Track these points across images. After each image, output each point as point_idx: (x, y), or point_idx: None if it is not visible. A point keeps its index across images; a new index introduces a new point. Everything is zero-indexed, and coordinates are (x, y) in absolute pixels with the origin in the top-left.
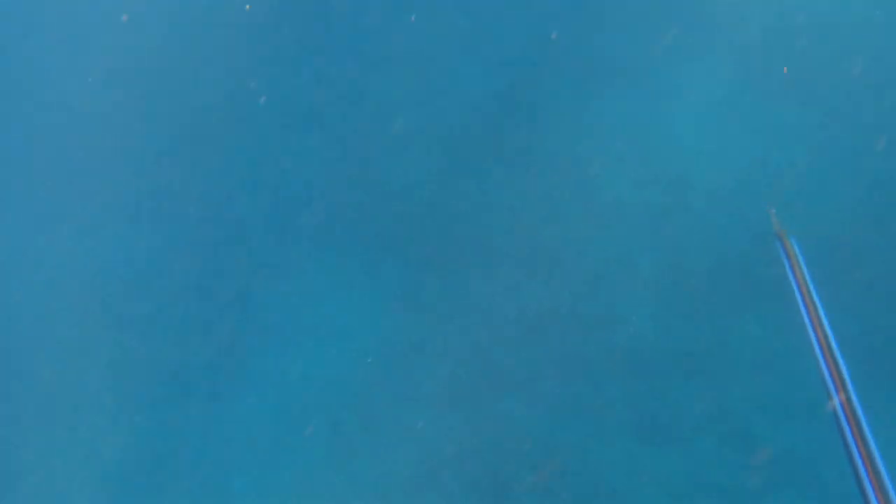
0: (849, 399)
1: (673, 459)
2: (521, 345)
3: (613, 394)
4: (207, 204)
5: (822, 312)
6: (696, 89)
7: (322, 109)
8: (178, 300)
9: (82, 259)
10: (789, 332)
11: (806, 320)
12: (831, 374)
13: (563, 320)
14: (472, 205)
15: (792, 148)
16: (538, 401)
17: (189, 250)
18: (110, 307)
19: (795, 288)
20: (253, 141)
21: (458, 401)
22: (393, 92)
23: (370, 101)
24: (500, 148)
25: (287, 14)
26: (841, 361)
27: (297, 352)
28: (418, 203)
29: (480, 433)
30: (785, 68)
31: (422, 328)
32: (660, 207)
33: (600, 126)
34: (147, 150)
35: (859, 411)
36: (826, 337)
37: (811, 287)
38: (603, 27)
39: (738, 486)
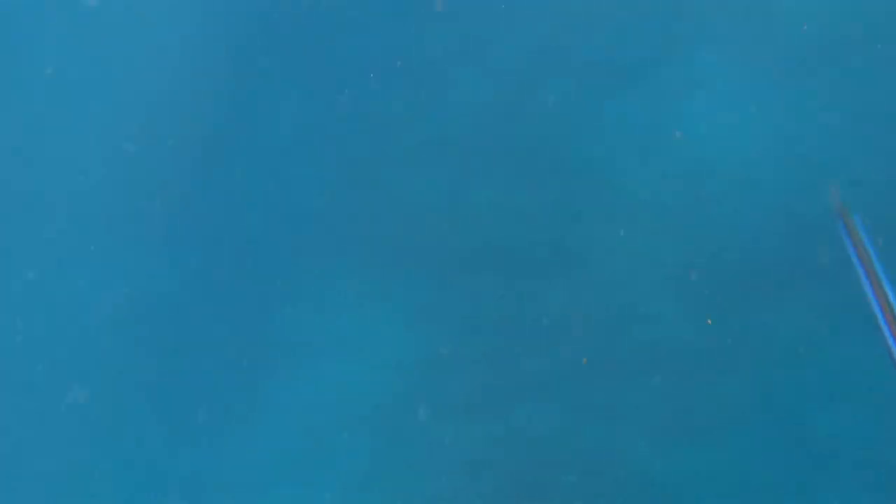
0: None
1: (717, 456)
2: (547, 348)
3: (647, 394)
4: (219, 217)
5: (889, 291)
6: (721, 76)
7: (334, 119)
8: (195, 315)
9: (98, 282)
10: (832, 317)
11: (873, 301)
12: None
13: (589, 322)
14: (488, 209)
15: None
16: (568, 405)
17: (202, 264)
18: (126, 328)
19: (860, 268)
20: (264, 152)
21: (487, 409)
22: (403, 98)
23: (382, 107)
24: (513, 149)
25: (300, 28)
26: None
27: (319, 367)
28: (432, 211)
29: (513, 441)
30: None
31: (443, 338)
32: (682, 199)
33: (618, 120)
34: (155, 165)
35: None
36: (894, 316)
37: (877, 266)
38: (614, 20)
39: (789, 480)
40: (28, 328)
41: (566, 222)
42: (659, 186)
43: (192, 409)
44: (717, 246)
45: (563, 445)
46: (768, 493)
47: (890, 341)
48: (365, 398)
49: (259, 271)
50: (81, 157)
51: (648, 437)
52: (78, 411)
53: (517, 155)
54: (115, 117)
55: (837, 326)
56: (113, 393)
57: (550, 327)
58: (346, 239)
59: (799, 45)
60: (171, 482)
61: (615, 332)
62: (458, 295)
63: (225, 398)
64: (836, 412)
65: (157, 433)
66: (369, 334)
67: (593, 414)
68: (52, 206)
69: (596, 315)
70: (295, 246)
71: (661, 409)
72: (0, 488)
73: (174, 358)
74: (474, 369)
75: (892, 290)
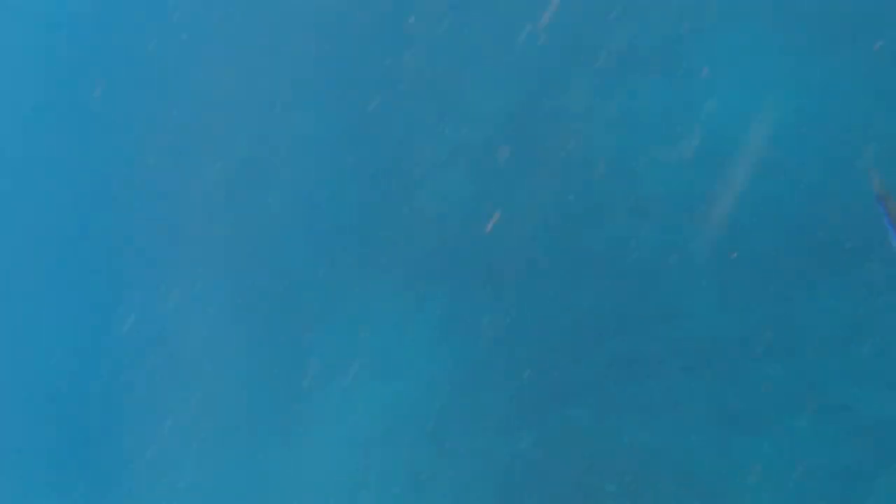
0: None
1: (767, 444)
2: (584, 351)
3: (689, 387)
4: (248, 239)
5: None
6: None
7: (360, 139)
8: (231, 337)
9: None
10: (870, 301)
11: None
12: None
13: (623, 321)
14: (511, 217)
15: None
16: (609, 405)
17: (237, 287)
18: (159, 347)
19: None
20: (294, 174)
21: (529, 416)
22: (424, 116)
23: (402, 118)
24: (529, 155)
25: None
26: None
27: (362, 383)
28: (458, 224)
29: (559, 445)
30: None
31: (480, 349)
32: (704, 192)
33: (638, 112)
34: (189, 187)
35: None
36: None
37: None
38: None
39: (841, 463)
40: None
41: (590, 222)
42: (682, 178)
43: (233, 427)
44: (746, 232)
45: (602, 450)
46: (817, 480)
47: None
48: (404, 413)
49: (293, 293)
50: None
51: (687, 433)
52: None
53: (538, 156)
54: (144, 137)
55: (878, 308)
56: (142, 413)
57: (579, 330)
58: (376, 257)
59: (823, 24)
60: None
61: (645, 329)
62: (491, 306)
63: (266, 415)
64: (881, 395)
65: (200, 450)
66: (403, 351)
67: (629, 415)
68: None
69: (626, 313)
70: (328, 266)
71: (697, 405)
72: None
73: (212, 380)
74: (508, 380)
75: None
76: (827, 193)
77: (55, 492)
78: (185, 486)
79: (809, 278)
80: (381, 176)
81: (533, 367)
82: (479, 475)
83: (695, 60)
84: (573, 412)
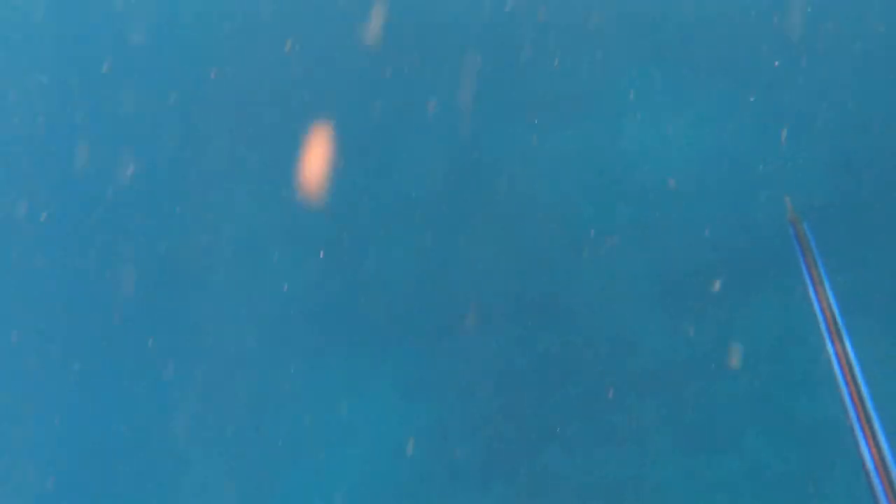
0: (855, 381)
1: (733, 460)
2: (546, 394)
3: (649, 416)
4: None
5: (831, 296)
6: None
7: (300, 199)
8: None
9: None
10: (797, 310)
11: (815, 304)
12: (838, 356)
13: (578, 359)
14: (461, 268)
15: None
16: (578, 444)
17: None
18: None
19: (806, 273)
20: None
21: (500, 466)
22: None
23: (339, 187)
24: (468, 205)
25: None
26: (849, 343)
27: (335, 454)
28: (408, 279)
29: (534, 492)
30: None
31: (442, 404)
32: (638, 224)
33: (567, 154)
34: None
35: (867, 395)
36: (835, 319)
37: (822, 271)
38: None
39: (800, 472)
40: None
41: (534, 265)
42: (618, 213)
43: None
44: (676, 261)
45: (576, 490)
46: (783, 488)
47: (829, 345)
48: (372, 479)
49: (254, 372)
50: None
51: (655, 462)
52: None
53: (478, 208)
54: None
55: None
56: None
57: (538, 373)
58: (324, 323)
59: (737, 63)
60: None
61: (601, 365)
62: (442, 360)
63: (241, 488)
64: (822, 398)
65: None
66: (374, 414)
67: (598, 451)
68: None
69: (581, 352)
70: (275, 341)
71: (660, 432)
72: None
73: (163, 455)
74: (474, 432)
75: (835, 297)
76: (750, 218)
77: None
78: None
79: (738, 295)
80: (322, 235)
81: (498, 416)
82: None
83: (617, 103)
84: (543, 456)
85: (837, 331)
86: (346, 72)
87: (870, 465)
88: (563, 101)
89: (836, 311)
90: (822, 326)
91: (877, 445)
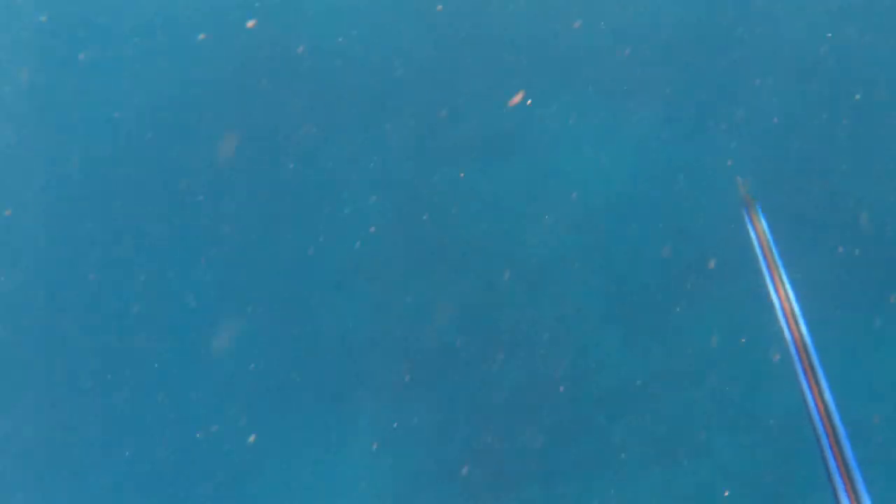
0: (811, 363)
1: (708, 471)
2: (519, 429)
3: (620, 437)
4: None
5: (785, 279)
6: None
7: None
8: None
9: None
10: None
11: (770, 287)
12: (793, 337)
13: (544, 390)
14: (415, 309)
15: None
16: (555, 476)
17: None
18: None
19: (760, 255)
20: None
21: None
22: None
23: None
24: (415, 246)
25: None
26: (804, 325)
27: None
28: (371, 326)
29: None
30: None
31: (420, 450)
32: (581, 251)
33: (498, 191)
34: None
35: (822, 376)
36: (789, 302)
37: (776, 254)
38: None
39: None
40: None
41: (494, 300)
42: (565, 244)
43: None
44: (626, 280)
45: None
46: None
47: (786, 330)
48: None
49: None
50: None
51: (631, 485)
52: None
53: (427, 247)
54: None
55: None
56: None
57: (509, 409)
58: (294, 380)
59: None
60: None
61: (567, 392)
62: (414, 405)
63: None
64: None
65: None
66: (344, 470)
67: (574, 484)
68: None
69: (546, 383)
70: (244, 408)
71: (634, 452)
72: None
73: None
74: (453, 474)
75: (790, 280)
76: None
77: None
78: None
79: (690, 304)
80: (275, 291)
81: (474, 456)
82: None
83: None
84: (522, 493)
85: (792, 312)
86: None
87: (827, 451)
88: (498, 136)
89: (791, 293)
90: (777, 309)
91: (831, 424)
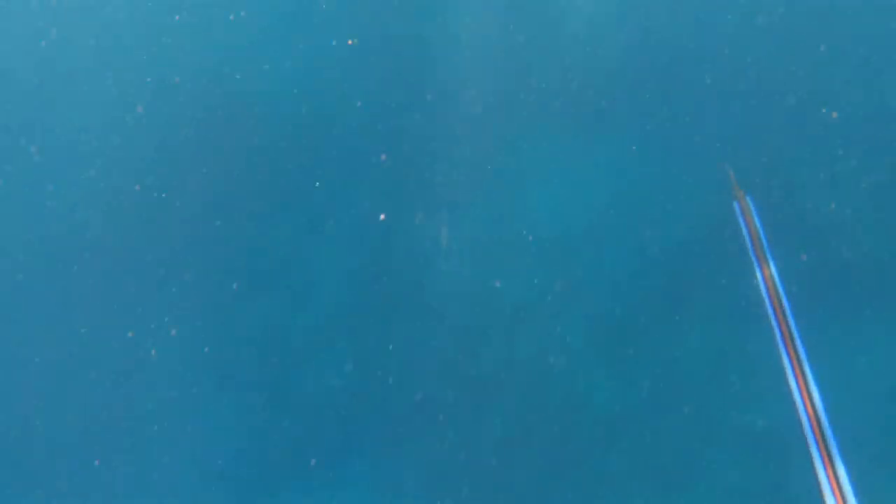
0: (798, 356)
1: (703, 489)
2: (510, 461)
3: (614, 461)
4: None
5: (774, 270)
6: None
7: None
8: None
9: None
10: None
11: (759, 278)
12: (781, 329)
13: (530, 422)
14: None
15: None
16: None
17: None
18: None
19: (749, 245)
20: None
21: None
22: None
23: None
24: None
25: None
26: (790, 316)
27: None
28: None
29: None
30: None
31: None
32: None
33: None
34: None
35: (807, 368)
36: (777, 292)
37: (765, 245)
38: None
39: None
40: None
41: (475, 346)
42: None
43: None
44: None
45: None
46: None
47: (773, 319)
48: None
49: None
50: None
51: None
52: None
53: (395, 306)
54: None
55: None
56: None
57: (498, 447)
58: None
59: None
60: None
61: (551, 420)
62: (414, 456)
63: None
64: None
65: None
66: None
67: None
68: None
69: (531, 417)
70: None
71: (627, 476)
72: None
73: None
74: None
75: (777, 269)
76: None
77: None
78: None
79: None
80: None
81: (472, 490)
82: None
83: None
84: None
85: (780, 302)
86: None
87: (814, 448)
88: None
89: (780, 285)
90: (765, 299)
91: (820, 429)
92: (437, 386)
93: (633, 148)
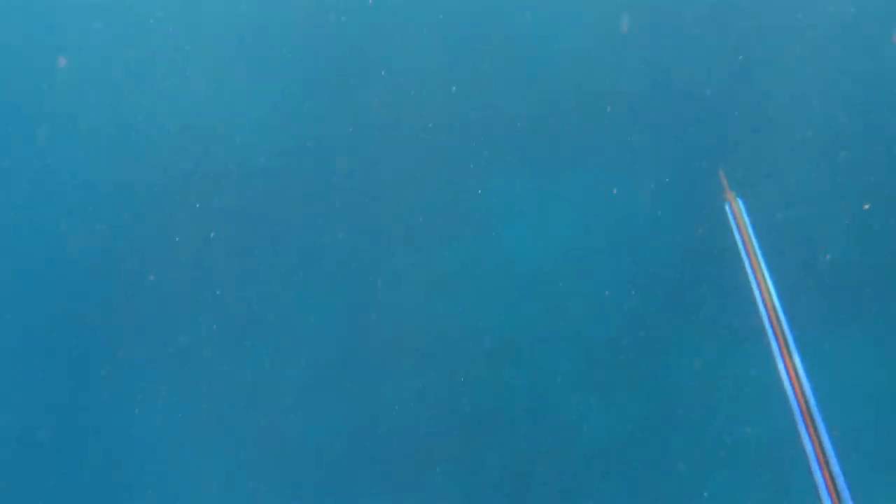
0: (790, 354)
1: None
2: (512, 492)
3: (616, 482)
4: None
5: (766, 270)
6: None
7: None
8: None
9: None
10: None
11: (751, 278)
12: (773, 327)
13: (523, 447)
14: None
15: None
16: None
17: None
18: None
19: (741, 246)
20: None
21: None
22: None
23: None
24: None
25: None
26: (783, 315)
27: None
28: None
29: None
30: None
31: None
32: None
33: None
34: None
35: (801, 367)
36: (769, 292)
37: (756, 245)
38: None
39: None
40: None
41: (464, 384)
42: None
43: None
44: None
45: None
46: None
47: (765, 319)
48: None
49: None
50: None
51: None
52: None
53: (386, 343)
54: None
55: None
56: None
57: (499, 483)
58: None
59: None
60: None
61: (561, 462)
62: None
63: None
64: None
65: None
66: None
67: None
68: None
69: (535, 457)
70: None
71: (630, 492)
72: None
73: None
74: None
75: (769, 270)
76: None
77: None
78: None
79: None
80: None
81: None
82: None
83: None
84: None
85: (772, 304)
86: None
87: (808, 447)
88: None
89: (772, 286)
90: (758, 301)
91: (814, 425)
92: (428, 424)
93: (613, 172)
